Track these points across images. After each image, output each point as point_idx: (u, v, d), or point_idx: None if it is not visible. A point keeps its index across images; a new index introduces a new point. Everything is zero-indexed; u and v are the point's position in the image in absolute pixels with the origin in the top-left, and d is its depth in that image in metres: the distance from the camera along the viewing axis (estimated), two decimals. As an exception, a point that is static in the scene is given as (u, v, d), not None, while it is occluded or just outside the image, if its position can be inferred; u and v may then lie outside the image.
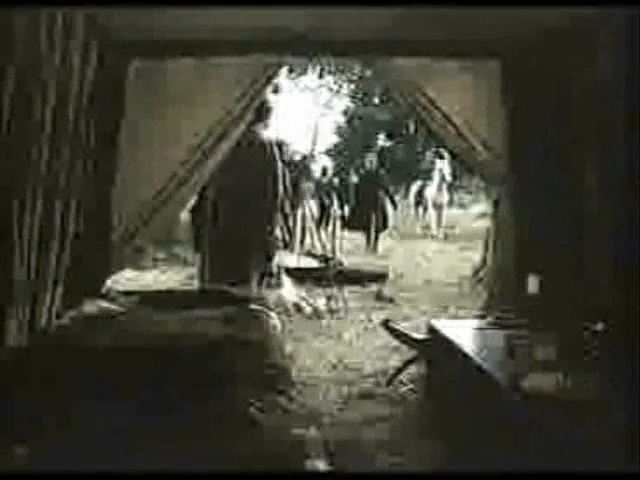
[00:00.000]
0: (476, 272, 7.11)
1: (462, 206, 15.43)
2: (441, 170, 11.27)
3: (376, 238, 9.96)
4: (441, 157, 11.09)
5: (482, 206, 13.59)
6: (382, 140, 16.23)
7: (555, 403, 2.26)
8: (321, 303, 5.72)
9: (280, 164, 5.26)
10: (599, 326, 2.59)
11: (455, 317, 5.36)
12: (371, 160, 10.69)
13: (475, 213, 13.90)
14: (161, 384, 2.46)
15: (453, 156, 4.47)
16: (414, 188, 12.28)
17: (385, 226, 10.19)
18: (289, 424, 2.09)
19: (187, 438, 1.94)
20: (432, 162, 11.88)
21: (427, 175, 12.25)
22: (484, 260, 6.88)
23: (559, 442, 2.17)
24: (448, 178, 11.26)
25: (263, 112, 4.77)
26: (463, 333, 3.09)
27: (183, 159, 3.76)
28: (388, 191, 10.39)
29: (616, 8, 2.86)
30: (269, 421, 2.04)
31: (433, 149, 11.82)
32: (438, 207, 11.35)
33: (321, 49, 3.83)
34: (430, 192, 11.49)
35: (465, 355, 2.81)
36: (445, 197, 11.40)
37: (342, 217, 9.24)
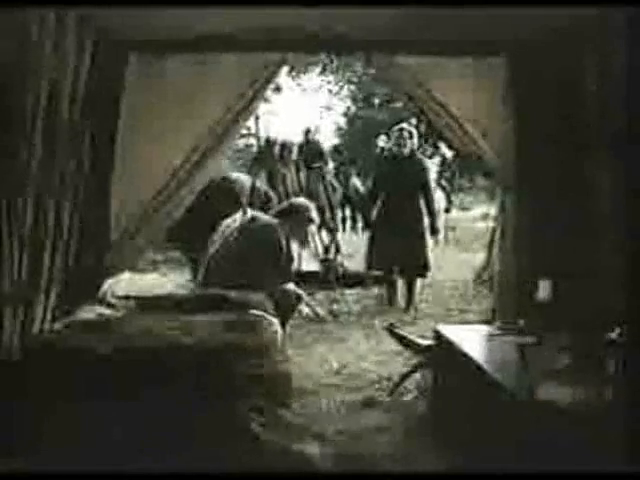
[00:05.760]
0: (479, 275, 7.02)
1: (463, 208, 15.33)
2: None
3: (410, 291, 5.91)
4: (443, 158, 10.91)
5: (484, 207, 13.52)
6: (382, 141, 16.13)
7: (569, 415, 2.18)
8: (323, 306, 5.64)
9: None
10: (615, 333, 2.49)
11: (459, 321, 5.27)
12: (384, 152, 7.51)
13: (476, 214, 13.81)
14: (156, 394, 2.38)
15: (457, 155, 4.38)
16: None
17: (423, 269, 5.93)
18: (289, 438, 1.99)
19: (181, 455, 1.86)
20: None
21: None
22: (487, 262, 6.80)
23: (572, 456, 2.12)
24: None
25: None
26: (471, 339, 3.00)
27: (183, 159, 3.68)
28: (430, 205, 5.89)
29: (616, 8, 2.81)
30: (269, 436, 1.95)
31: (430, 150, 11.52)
32: None
33: (324, 47, 3.75)
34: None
35: (473, 363, 2.71)
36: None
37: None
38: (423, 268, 5.87)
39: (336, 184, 9.14)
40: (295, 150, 8.06)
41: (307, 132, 9.12)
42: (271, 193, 6.27)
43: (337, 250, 7.62)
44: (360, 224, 8.47)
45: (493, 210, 11.06)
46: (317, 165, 8.27)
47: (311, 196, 8.15)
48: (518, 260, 3.76)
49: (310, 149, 8.50)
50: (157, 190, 3.66)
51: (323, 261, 6.97)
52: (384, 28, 3.44)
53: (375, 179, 6.13)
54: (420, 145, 6.46)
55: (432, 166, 10.86)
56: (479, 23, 3.27)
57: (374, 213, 5.93)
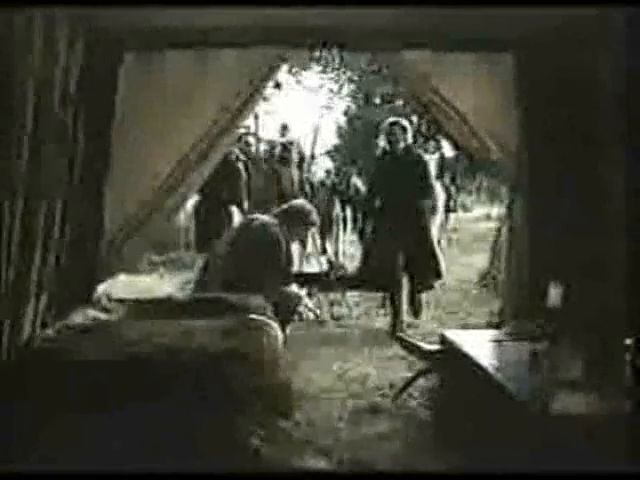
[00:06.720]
0: (483, 277, 6.93)
1: (464, 208, 15.22)
2: None
3: (412, 294, 5.33)
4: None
5: (485, 208, 13.44)
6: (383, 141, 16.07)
7: (585, 425, 2.10)
8: (323, 308, 5.55)
9: None
10: (629, 339, 2.40)
11: (462, 324, 5.18)
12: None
13: (478, 215, 13.71)
14: (152, 402, 2.31)
15: (462, 154, 4.30)
16: None
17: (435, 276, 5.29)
18: (291, 451, 1.91)
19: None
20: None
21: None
22: (491, 264, 6.71)
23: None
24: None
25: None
26: (479, 344, 2.91)
27: (181, 157, 3.60)
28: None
29: (616, 8, 2.78)
30: (270, 449, 1.86)
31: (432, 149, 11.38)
32: None
33: (327, 44, 3.68)
34: None
35: (482, 369, 2.63)
36: None
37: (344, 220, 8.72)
38: (436, 275, 5.23)
39: (316, 181, 9.03)
40: (294, 151, 7.97)
41: (284, 128, 8.98)
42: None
43: (324, 251, 7.57)
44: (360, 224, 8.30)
45: (495, 211, 11.02)
46: (296, 162, 8.20)
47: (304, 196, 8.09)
48: (526, 262, 3.67)
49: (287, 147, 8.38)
50: (156, 189, 3.59)
51: (324, 263, 6.88)
52: (388, 25, 3.38)
53: (372, 181, 5.56)
54: (415, 140, 6.01)
55: (434, 164, 10.82)
56: (486, 20, 3.22)
57: (374, 218, 5.40)
